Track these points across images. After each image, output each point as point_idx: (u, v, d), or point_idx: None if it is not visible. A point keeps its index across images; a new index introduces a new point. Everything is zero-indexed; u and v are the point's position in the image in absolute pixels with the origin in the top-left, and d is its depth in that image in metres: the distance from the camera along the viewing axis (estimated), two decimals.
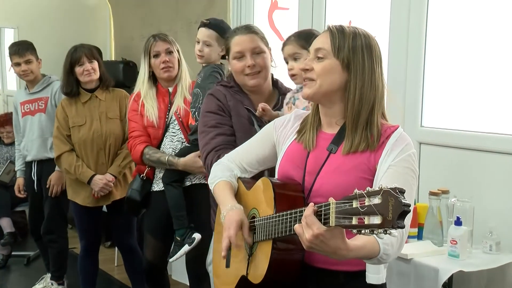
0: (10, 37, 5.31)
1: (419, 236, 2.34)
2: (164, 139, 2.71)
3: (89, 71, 3.12)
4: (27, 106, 3.58)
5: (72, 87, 3.14)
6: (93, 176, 3.10)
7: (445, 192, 2.35)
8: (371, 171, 1.40)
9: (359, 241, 1.26)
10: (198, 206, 2.60)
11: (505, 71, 2.40)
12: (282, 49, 1.99)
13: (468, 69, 2.55)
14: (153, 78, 2.80)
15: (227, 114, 1.99)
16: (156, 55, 2.74)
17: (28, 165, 3.63)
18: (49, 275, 3.71)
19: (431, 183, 2.51)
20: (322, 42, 1.44)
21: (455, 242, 2.12)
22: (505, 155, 2.35)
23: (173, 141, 2.69)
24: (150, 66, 2.76)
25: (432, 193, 2.32)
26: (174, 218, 2.61)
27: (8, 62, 5.45)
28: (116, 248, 4.15)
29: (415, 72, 2.71)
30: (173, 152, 2.67)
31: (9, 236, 4.13)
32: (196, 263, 2.60)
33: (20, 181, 3.71)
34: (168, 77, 2.76)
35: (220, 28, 2.51)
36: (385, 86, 1.45)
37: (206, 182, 2.48)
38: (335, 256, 1.23)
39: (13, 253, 4.26)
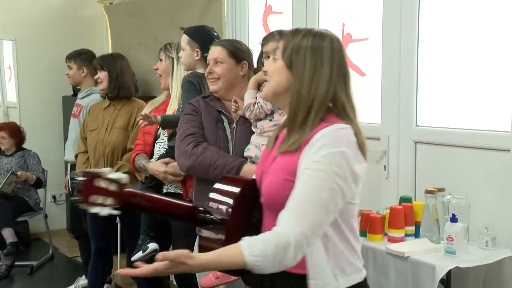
0: (8, 49, 5.35)
1: (416, 234, 2.36)
2: (155, 145, 2.77)
3: (97, 80, 3.28)
4: (74, 109, 3.83)
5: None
6: None
7: (441, 190, 2.37)
8: (295, 173, 1.38)
9: (211, 255, 1.27)
10: None
11: (497, 69, 2.43)
12: None
13: (461, 67, 2.57)
14: None
15: (198, 114, 2.25)
16: None
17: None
18: (83, 277, 3.79)
19: (427, 182, 2.54)
20: (276, 44, 1.51)
21: (451, 239, 2.14)
22: (499, 152, 2.37)
23: (160, 147, 2.75)
24: None
25: (428, 191, 2.34)
26: (141, 223, 2.71)
27: (7, 74, 5.51)
28: (119, 254, 4.19)
29: (409, 71, 2.73)
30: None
31: (12, 246, 4.15)
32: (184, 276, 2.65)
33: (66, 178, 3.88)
34: (162, 87, 2.85)
35: (190, 32, 2.61)
36: (332, 89, 1.40)
37: (181, 192, 2.62)
38: (183, 270, 1.25)
39: (16, 263, 4.28)
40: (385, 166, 2.87)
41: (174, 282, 3.76)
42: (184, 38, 2.62)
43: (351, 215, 1.44)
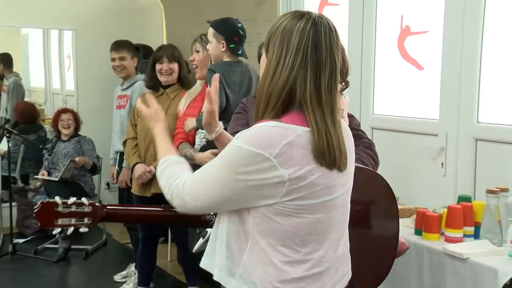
0: (68, 39, 5.51)
1: (476, 235, 2.28)
2: (196, 135, 2.77)
3: (166, 71, 3.26)
4: (118, 101, 3.87)
5: (154, 82, 3.32)
6: (136, 163, 3.23)
7: (504, 190, 2.27)
8: None
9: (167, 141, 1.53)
10: None
11: None
12: None
13: None
14: None
15: (246, 112, 2.26)
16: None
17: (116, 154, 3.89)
18: (134, 264, 3.86)
19: (488, 181, 2.44)
20: None
21: None
22: None
23: (201, 137, 2.75)
24: None
25: (489, 191, 2.25)
26: None
27: (67, 63, 5.69)
28: (169, 243, 4.26)
29: (471, 65, 2.63)
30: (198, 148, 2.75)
31: None
32: None
33: (111, 170, 3.93)
34: (198, 77, 2.85)
35: (214, 24, 2.64)
36: (292, 81, 1.22)
37: None
38: None
39: (72, 246, 4.43)
40: (442, 164, 2.78)
41: None
42: (210, 31, 2.67)
43: (283, 234, 1.24)
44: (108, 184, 5.40)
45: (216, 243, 1.34)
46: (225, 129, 2.55)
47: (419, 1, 2.98)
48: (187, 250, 3.35)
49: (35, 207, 1.65)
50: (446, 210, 2.32)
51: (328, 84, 1.23)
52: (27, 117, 5.16)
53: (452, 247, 2.15)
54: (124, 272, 3.93)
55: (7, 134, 4.40)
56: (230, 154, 1.23)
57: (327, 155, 1.21)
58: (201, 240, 2.66)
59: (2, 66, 5.47)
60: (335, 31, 1.27)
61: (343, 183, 1.29)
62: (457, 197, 2.46)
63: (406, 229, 2.45)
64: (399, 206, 2.72)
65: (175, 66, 3.25)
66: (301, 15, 1.25)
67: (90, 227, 1.67)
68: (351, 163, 1.34)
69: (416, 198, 2.85)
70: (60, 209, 1.65)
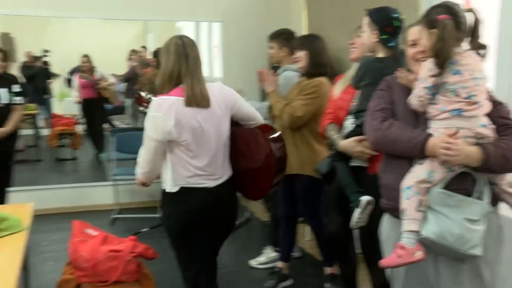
0: (216, 30, 5.93)
1: None
2: (345, 121, 2.77)
3: (296, 58, 3.45)
4: None
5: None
6: None
7: None
8: None
9: None
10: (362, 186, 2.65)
11: None
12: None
13: None
14: None
15: (391, 90, 2.20)
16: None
17: None
18: (268, 247, 4.10)
19: None
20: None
21: None
22: None
23: (349, 123, 2.72)
24: None
25: None
26: (344, 187, 2.68)
27: (216, 52, 6.11)
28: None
29: None
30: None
31: None
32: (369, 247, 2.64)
33: None
34: (353, 58, 2.86)
35: (371, 13, 2.58)
36: (176, 68, 2.39)
37: (365, 165, 2.63)
38: None
39: None
40: None
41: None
42: (366, 20, 2.59)
43: (176, 148, 2.39)
44: None
45: None
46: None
47: None
48: (320, 230, 3.50)
49: (137, 95, 2.71)
50: None
51: (194, 66, 2.39)
52: None
53: None
54: (262, 259, 4.09)
55: None
56: (148, 123, 2.38)
57: (194, 99, 2.35)
58: (358, 211, 2.56)
59: None
60: (192, 40, 2.46)
61: (209, 119, 2.41)
62: None
63: None
64: None
65: (301, 53, 3.39)
66: (177, 37, 2.43)
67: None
68: (217, 107, 2.44)
69: None
70: (143, 99, 2.68)
